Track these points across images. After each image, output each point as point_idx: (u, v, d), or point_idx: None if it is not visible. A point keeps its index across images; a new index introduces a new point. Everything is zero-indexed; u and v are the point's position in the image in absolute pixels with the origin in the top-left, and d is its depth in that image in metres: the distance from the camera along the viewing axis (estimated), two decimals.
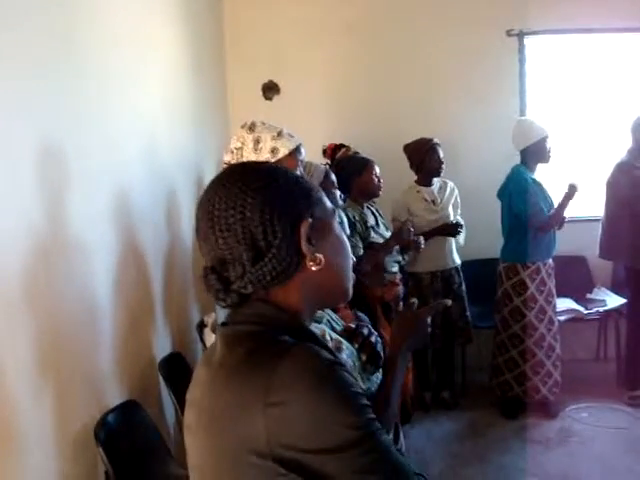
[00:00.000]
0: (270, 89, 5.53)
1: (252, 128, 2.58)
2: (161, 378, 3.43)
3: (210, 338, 3.88)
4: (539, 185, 4.73)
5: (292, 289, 1.20)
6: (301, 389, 1.03)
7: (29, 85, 2.48)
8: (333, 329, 1.88)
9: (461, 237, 5.00)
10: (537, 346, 4.72)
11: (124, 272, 3.24)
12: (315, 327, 1.80)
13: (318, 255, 1.19)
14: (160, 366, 3.43)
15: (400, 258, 4.49)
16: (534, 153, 4.66)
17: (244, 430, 1.04)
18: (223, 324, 1.24)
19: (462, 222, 4.96)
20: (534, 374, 4.75)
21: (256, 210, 1.15)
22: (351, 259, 1.30)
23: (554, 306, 4.80)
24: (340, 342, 1.80)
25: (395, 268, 4.37)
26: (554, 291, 4.78)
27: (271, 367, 1.05)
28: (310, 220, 1.19)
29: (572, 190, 4.60)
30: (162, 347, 3.69)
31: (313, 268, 1.18)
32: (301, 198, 1.21)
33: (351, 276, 1.30)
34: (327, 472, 1.02)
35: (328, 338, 1.78)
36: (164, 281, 3.82)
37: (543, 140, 4.63)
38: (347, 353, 1.79)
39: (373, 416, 1.07)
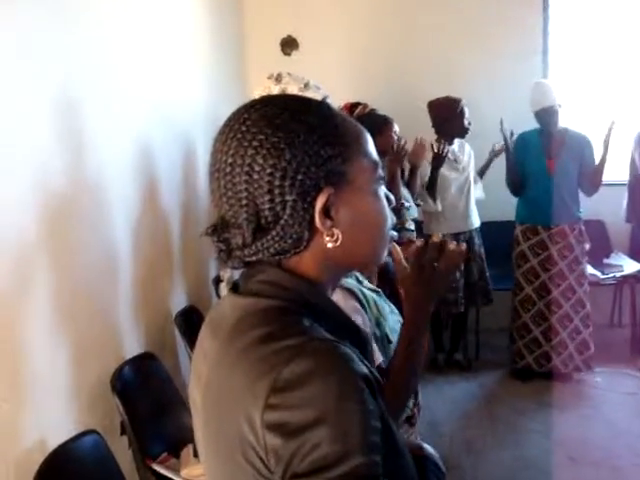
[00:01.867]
0: (289, 44, 5.45)
1: (279, 79, 2.53)
2: (177, 331, 3.44)
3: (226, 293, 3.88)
4: (538, 151, 4.66)
5: (308, 258, 1.02)
6: (305, 398, 0.86)
7: (47, 37, 2.46)
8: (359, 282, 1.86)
9: (479, 190, 4.97)
10: (549, 310, 4.68)
11: (142, 226, 3.24)
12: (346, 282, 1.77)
13: (335, 231, 0.99)
14: (176, 319, 3.44)
15: (414, 211, 4.43)
16: (544, 118, 4.62)
17: (241, 423, 0.89)
18: (234, 287, 1.07)
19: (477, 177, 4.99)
20: (546, 340, 4.72)
21: (265, 174, 0.95)
22: (389, 223, 1.08)
23: (579, 275, 4.71)
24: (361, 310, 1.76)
25: (412, 226, 4.33)
26: (582, 259, 4.71)
27: (282, 363, 0.87)
28: (332, 189, 0.98)
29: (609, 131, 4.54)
30: (178, 301, 3.70)
31: (329, 245, 1.00)
32: (329, 157, 0.98)
33: (387, 241, 1.09)
34: None
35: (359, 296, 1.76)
36: (181, 236, 3.81)
37: (552, 107, 4.57)
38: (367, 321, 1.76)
39: (377, 459, 0.86)
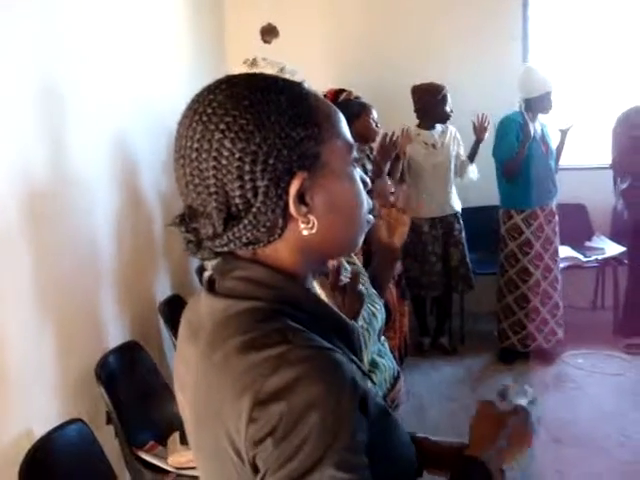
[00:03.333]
0: (269, 32, 5.40)
1: (254, 64, 2.54)
2: (161, 320, 3.44)
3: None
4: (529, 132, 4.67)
5: (283, 248, 0.97)
6: (287, 410, 0.82)
7: (28, 31, 2.45)
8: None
9: (473, 172, 4.99)
10: (532, 292, 4.74)
11: (125, 216, 3.23)
12: None
13: (311, 217, 0.94)
14: (161, 308, 3.44)
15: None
16: (536, 104, 4.63)
17: (223, 438, 0.88)
18: (210, 285, 1.02)
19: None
20: (529, 321, 4.78)
21: (234, 159, 0.90)
22: (365, 207, 1.03)
23: (552, 253, 4.78)
24: None
25: None
26: (554, 238, 4.77)
27: (264, 376, 0.84)
28: (305, 173, 0.93)
29: (564, 134, 4.68)
30: (162, 290, 3.70)
31: (304, 232, 0.95)
32: (302, 138, 0.93)
33: (364, 225, 1.04)
34: None
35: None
36: (164, 223, 3.80)
37: (548, 94, 4.59)
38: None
39: (352, 477, 0.84)
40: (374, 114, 4.22)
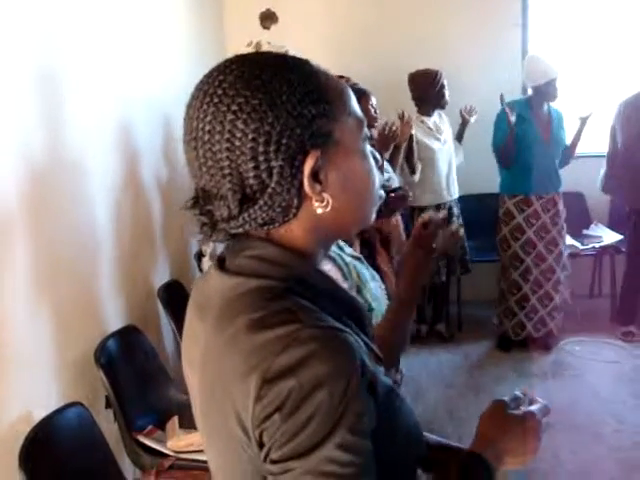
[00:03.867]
0: (268, 18, 5.38)
1: (258, 47, 2.53)
2: (160, 305, 3.44)
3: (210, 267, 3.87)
4: (530, 120, 4.66)
5: (296, 227, 0.97)
6: (296, 387, 0.83)
7: (26, 15, 2.44)
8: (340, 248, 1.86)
9: (460, 155, 5.02)
10: (523, 279, 4.74)
11: (123, 201, 3.22)
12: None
13: (325, 195, 0.94)
14: (159, 293, 3.44)
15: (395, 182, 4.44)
16: (542, 92, 4.63)
17: (231, 417, 0.88)
18: (220, 264, 1.01)
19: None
20: (520, 309, 4.79)
21: (247, 139, 0.89)
22: (377, 183, 1.03)
23: (548, 242, 4.75)
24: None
25: None
26: (552, 228, 4.75)
27: (273, 354, 0.84)
28: (319, 151, 0.92)
29: (583, 122, 4.66)
30: (161, 275, 3.69)
31: (318, 211, 0.94)
32: (314, 116, 0.92)
33: (376, 200, 1.04)
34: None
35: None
36: (162, 211, 3.80)
37: (553, 81, 4.58)
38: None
39: (356, 460, 0.84)
40: (373, 100, 4.20)
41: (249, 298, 0.92)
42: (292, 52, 2.51)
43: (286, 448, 0.83)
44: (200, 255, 4.04)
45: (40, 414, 2.21)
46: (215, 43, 5.28)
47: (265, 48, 2.51)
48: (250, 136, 0.89)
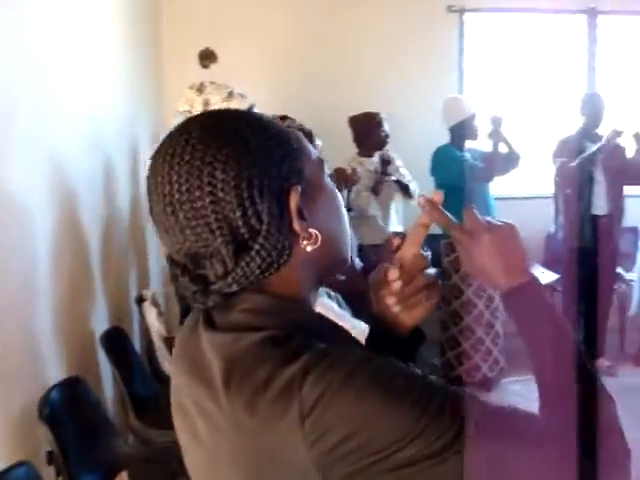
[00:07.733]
0: (207, 57, 5.34)
1: (201, 89, 2.47)
2: (101, 352, 3.31)
3: (150, 312, 3.78)
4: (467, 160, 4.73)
5: (287, 273, 0.95)
6: (337, 399, 0.83)
7: None
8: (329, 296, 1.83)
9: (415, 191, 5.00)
10: (476, 323, 4.77)
11: (61, 242, 3.09)
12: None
13: (312, 231, 0.94)
14: (102, 340, 3.30)
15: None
16: (462, 131, 4.74)
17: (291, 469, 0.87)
18: (208, 323, 0.98)
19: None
20: (475, 352, 4.81)
21: (230, 187, 0.88)
22: (345, 215, 1.04)
23: (477, 287, 4.75)
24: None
25: None
26: None
27: (297, 391, 0.84)
28: (299, 187, 0.93)
29: (496, 124, 4.68)
30: (100, 321, 3.55)
31: (308, 248, 0.94)
32: (284, 156, 0.93)
33: (349, 237, 1.04)
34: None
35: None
36: (102, 253, 3.67)
37: (470, 118, 4.69)
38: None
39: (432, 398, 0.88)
40: (318, 142, 4.21)
41: (252, 355, 0.89)
42: (237, 91, 2.47)
43: (391, 456, 0.85)
44: (141, 299, 3.95)
45: None
46: (155, 82, 5.21)
47: (209, 88, 2.46)
48: (232, 183, 0.89)
